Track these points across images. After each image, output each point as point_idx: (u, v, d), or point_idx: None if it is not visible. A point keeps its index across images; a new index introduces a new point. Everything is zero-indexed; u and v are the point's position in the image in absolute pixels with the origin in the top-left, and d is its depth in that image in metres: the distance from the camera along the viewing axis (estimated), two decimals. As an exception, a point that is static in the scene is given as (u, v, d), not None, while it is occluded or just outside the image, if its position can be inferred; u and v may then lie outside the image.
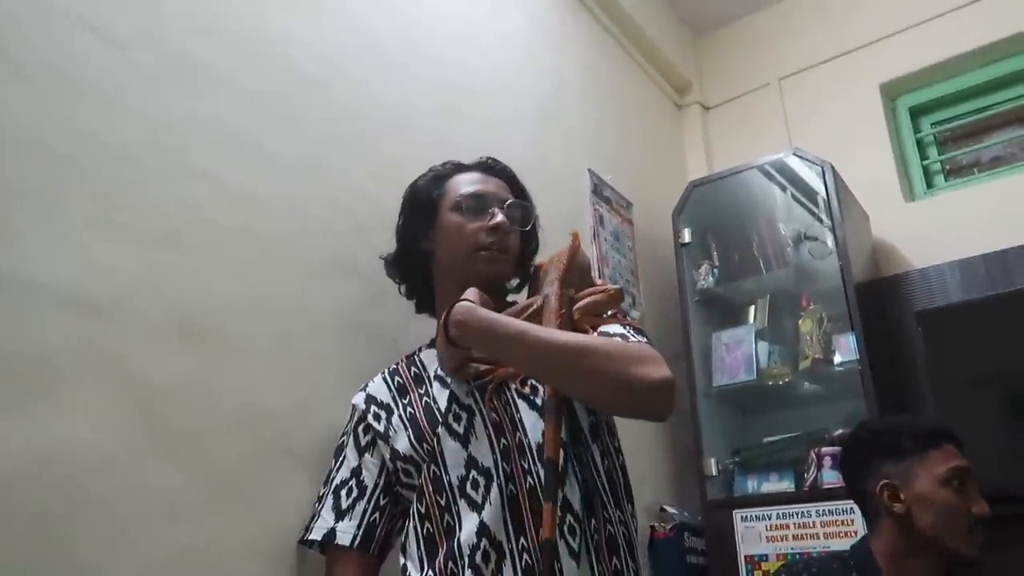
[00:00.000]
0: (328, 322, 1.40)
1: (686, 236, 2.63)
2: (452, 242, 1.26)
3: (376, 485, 1.21)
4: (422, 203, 1.32)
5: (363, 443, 1.24)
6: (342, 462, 1.24)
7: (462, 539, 1.05)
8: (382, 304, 1.45)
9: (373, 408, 1.24)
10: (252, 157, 1.36)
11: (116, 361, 1.07)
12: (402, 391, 1.25)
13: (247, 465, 1.19)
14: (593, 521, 1.07)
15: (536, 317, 1.14)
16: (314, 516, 1.21)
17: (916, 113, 2.94)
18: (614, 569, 1.06)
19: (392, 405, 1.23)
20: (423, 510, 1.12)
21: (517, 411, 1.12)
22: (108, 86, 1.16)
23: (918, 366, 2.40)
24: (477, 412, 1.14)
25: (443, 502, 1.10)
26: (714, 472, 2.33)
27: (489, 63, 2.13)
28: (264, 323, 1.29)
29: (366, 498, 1.20)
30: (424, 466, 1.14)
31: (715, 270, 2.62)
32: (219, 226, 1.26)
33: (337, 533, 1.18)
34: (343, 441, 1.27)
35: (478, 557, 1.03)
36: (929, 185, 2.84)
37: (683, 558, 2.18)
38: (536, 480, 1.05)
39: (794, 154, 2.57)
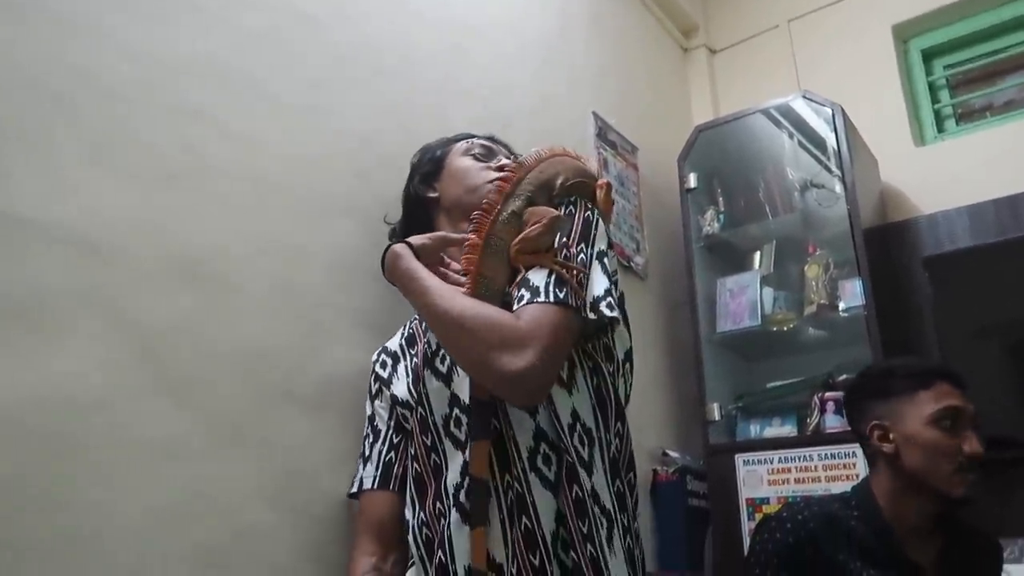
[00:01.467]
0: (327, 264, 1.38)
1: (692, 181, 2.59)
2: (459, 180, 1.31)
3: (388, 427, 1.25)
4: (429, 158, 1.38)
5: (372, 391, 1.30)
6: (366, 412, 1.29)
7: (448, 478, 1.07)
8: (381, 246, 1.42)
9: (382, 357, 1.31)
10: (250, 97, 1.32)
11: (112, 301, 1.06)
12: (411, 341, 1.28)
13: (247, 407, 1.19)
14: (607, 433, 1.06)
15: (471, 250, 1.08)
16: (355, 473, 1.26)
17: (928, 55, 2.87)
18: (590, 490, 1.02)
19: (399, 354, 1.28)
20: (413, 452, 1.16)
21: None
22: (102, 23, 1.13)
23: (924, 313, 2.39)
24: None
25: (429, 442, 1.12)
26: (717, 417, 2.34)
27: (493, 3, 2.07)
28: (263, 265, 1.27)
29: (380, 440, 1.25)
30: (415, 409, 1.16)
31: (720, 216, 2.59)
32: (216, 167, 1.24)
33: (364, 480, 1.23)
34: (369, 407, 1.31)
35: (462, 495, 1.03)
36: (940, 129, 2.79)
37: (685, 501, 2.20)
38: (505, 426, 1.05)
39: (803, 97, 2.51)
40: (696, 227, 2.58)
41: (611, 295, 1.05)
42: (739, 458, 2.24)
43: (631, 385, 1.18)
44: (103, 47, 1.12)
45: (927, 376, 1.44)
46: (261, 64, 1.36)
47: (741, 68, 3.16)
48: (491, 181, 1.23)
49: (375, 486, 1.21)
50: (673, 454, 2.28)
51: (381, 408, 1.27)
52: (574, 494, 1.00)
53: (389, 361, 1.29)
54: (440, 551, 1.04)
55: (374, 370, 1.30)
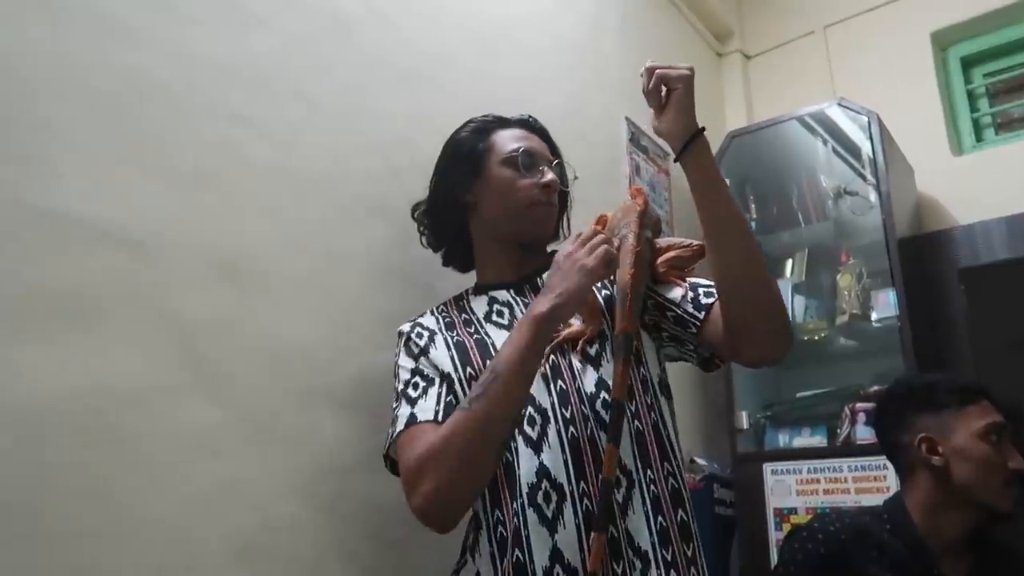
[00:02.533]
0: (361, 264, 1.40)
1: (724, 188, 2.57)
2: (503, 195, 1.25)
3: (439, 374, 1.16)
4: (466, 155, 1.29)
5: (415, 351, 1.20)
6: (399, 376, 1.19)
7: (522, 476, 1.04)
8: (415, 247, 1.45)
9: (417, 329, 1.23)
10: (288, 99, 1.35)
11: (155, 297, 1.08)
12: (449, 326, 1.23)
13: (280, 404, 1.21)
14: (649, 472, 1.06)
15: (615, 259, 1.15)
16: (391, 430, 1.14)
17: (968, 63, 2.83)
18: (666, 523, 1.04)
19: (436, 331, 1.22)
20: None
21: (575, 363, 1.12)
22: (146, 25, 1.15)
23: (959, 325, 2.36)
24: None
25: None
26: (745, 425, 2.33)
27: (526, 7, 2.08)
28: (299, 263, 1.29)
29: (436, 384, 1.14)
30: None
31: (752, 223, 2.58)
32: (255, 167, 1.26)
33: (417, 414, 1.10)
34: (395, 363, 1.22)
35: (539, 496, 1.02)
36: (978, 139, 2.74)
37: (712, 509, 2.19)
38: (595, 425, 1.06)
39: (838, 104, 2.49)
40: (727, 234, 2.55)
41: None
42: (767, 467, 2.22)
43: None
44: (146, 49, 1.15)
45: (972, 392, 1.45)
46: (298, 66, 1.38)
47: (776, 74, 3.14)
48: (534, 204, 1.23)
49: (437, 418, 1.08)
50: (700, 462, 2.27)
51: (427, 362, 1.17)
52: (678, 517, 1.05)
53: (425, 334, 1.21)
54: (517, 550, 1.01)
55: (411, 337, 1.21)
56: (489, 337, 1.18)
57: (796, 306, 2.45)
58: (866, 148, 2.40)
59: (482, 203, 1.27)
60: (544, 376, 1.10)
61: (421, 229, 1.38)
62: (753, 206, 2.63)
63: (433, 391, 1.13)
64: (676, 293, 1.15)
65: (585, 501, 1.02)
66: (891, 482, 2.01)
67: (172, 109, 1.16)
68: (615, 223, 1.21)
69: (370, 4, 1.56)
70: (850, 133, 2.54)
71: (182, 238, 1.13)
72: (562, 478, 1.03)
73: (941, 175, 2.63)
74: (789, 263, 2.57)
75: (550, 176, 1.25)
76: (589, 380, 1.10)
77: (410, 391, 1.15)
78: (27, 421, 0.92)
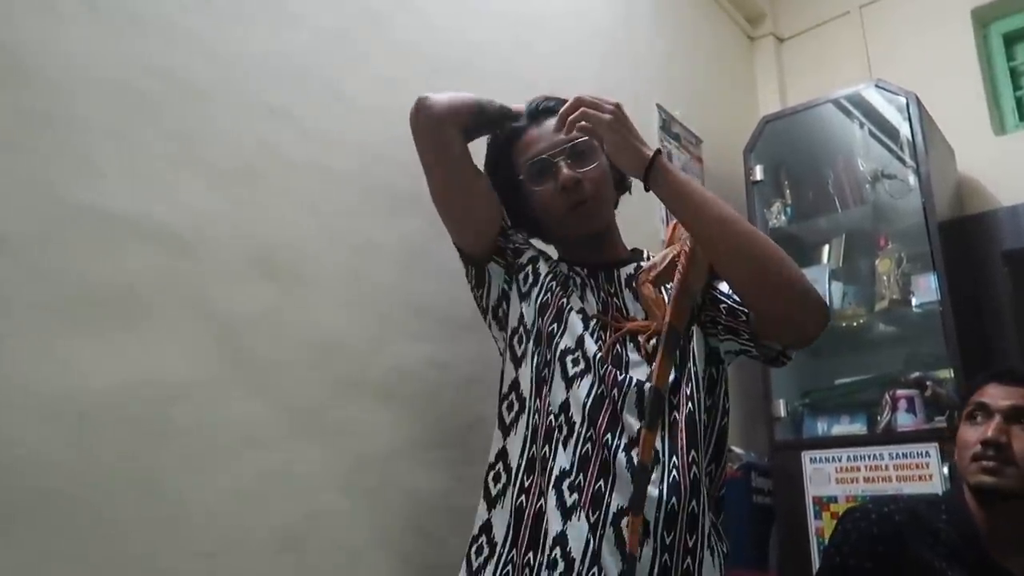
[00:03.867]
0: (395, 257, 1.41)
1: (758, 173, 2.54)
2: (544, 213, 1.24)
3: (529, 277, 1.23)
4: (503, 182, 1.26)
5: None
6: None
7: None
8: (447, 239, 1.44)
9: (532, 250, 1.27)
10: (323, 94, 1.36)
11: (198, 293, 1.10)
12: (564, 284, 1.22)
13: (322, 395, 1.23)
14: (674, 459, 1.06)
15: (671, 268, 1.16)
16: None
17: (1010, 40, 2.75)
18: (676, 509, 1.04)
19: (542, 264, 1.24)
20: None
21: (627, 355, 1.13)
22: (183, 24, 1.17)
23: (1003, 309, 2.31)
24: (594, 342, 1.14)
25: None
26: (783, 414, 2.30)
27: (556, -6, 2.07)
28: (336, 257, 1.30)
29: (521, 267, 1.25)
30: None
31: (788, 208, 2.54)
32: (293, 162, 1.27)
33: None
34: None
35: (565, 485, 1.06)
36: (1022, 117, 2.67)
37: (750, 498, 2.17)
38: (619, 413, 1.08)
39: (876, 85, 2.44)
40: (762, 220, 2.53)
41: None
42: (806, 455, 2.19)
43: None
44: (185, 48, 1.16)
45: (981, 380, 1.46)
46: (332, 61, 1.39)
47: (810, 57, 3.09)
48: (567, 212, 1.20)
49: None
50: (738, 450, 2.25)
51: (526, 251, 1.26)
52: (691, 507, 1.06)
53: (539, 256, 1.25)
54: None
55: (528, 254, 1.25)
56: (567, 306, 1.17)
57: (834, 292, 2.42)
58: (904, 130, 2.35)
59: (534, 206, 1.25)
60: (589, 367, 1.11)
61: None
62: (788, 192, 2.59)
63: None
64: (728, 285, 1.16)
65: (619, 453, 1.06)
66: (934, 470, 1.98)
67: (210, 106, 1.18)
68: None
69: (401, -2, 1.56)
70: (888, 115, 2.49)
71: (222, 234, 1.15)
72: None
73: (983, 156, 2.57)
74: (826, 249, 2.53)
75: (563, 174, 1.18)
76: (640, 373, 1.11)
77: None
78: (77, 414, 0.94)
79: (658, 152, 1.09)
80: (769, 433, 2.30)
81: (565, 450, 1.07)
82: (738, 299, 1.14)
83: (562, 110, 1.13)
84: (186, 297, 1.08)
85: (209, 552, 1.03)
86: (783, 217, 2.53)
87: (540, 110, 1.26)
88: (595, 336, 1.13)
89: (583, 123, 1.09)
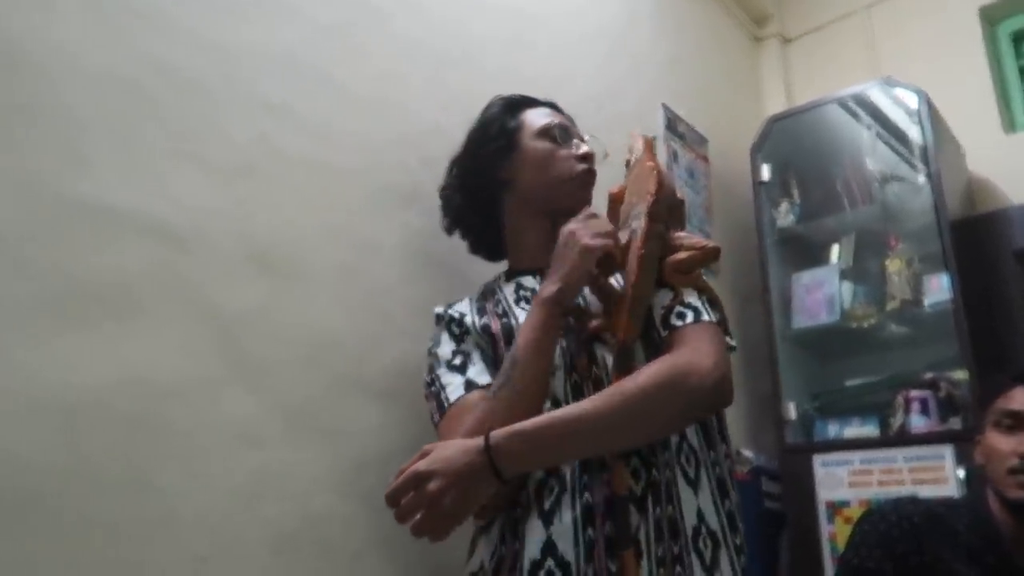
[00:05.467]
0: (396, 253, 1.38)
1: (765, 173, 2.51)
2: (541, 167, 1.22)
3: (480, 349, 1.16)
4: (497, 133, 1.26)
5: (456, 333, 1.19)
6: (439, 354, 1.17)
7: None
8: (448, 236, 1.43)
9: (454, 313, 1.22)
10: (322, 89, 1.33)
11: (193, 289, 1.07)
12: (480, 311, 1.21)
13: (319, 394, 1.20)
14: (712, 453, 1.05)
15: (624, 254, 1.06)
16: (440, 399, 1.11)
17: (1019, 38, 2.72)
18: (728, 511, 1.03)
19: (467, 314, 1.21)
20: None
21: (602, 354, 1.07)
22: (179, 16, 1.15)
23: (1016, 307, 2.25)
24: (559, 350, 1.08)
25: None
26: (793, 416, 2.26)
27: (559, -8, 2.04)
28: (334, 254, 1.28)
29: (479, 354, 1.15)
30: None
31: (796, 208, 2.50)
32: (290, 157, 1.25)
33: (473, 379, 1.10)
34: (432, 344, 1.20)
35: (544, 491, 1.01)
36: (1032, 115, 2.64)
37: (760, 503, 2.13)
38: None
39: (886, 82, 2.41)
40: (769, 220, 2.50)
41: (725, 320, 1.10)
42: (817, 459, 2.15)
43: None
44: (182, 41, 1.14)
45: (1007, 383, 1.42)
46: (331, 56, 1.36)
47: (816, 57, 3.06)
48: (574, 176, 1.20)
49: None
50: (747, 454, 2.21)
51: (468, 344, 1.16)
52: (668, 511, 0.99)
53: (460, 318, 1.20)
54: (517, 541, 1.01)
55: (451, 318, 1.20)
56: (517, 321, 1.15)
57: (844, 292, 2.38)
58: (914, 128, 2.32)
59: (519, 178, 1.24)
60: (564, 366, 1.07)
61: (445, 211, 1.34)
62: (796, 191, 2.55)
63: (478, 358, 1.15)
64: (665, 298, 1.06)
65: (585, 495, 0.99)
66: (949, 472, 1.94)
67: (207, 101, 1.16)
68: (627, 209, 1.13)
69: (401, -8, 1.54)
70: (895, 114, 2.46)
71: (219, 229, 1.12)
72: (695, 443, 1.04)
73: (993, 154, 2.53)
74: (835, 248, 2.49)
75: (586, 149, 1.24)
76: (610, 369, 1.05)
77: (456, 361, 1.15)
78: (68, 412, 0.92)
79: (487, 440, 0.93)
80: (779, 436, 2.26)
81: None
82: (660, 320, 1.05)
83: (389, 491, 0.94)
84: (181, 293, 1.06)
85: (202, 555, 1.00)
86: (791, 217, 2.49)
87: (557, 107, 1.33)
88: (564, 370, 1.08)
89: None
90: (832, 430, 2.27)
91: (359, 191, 1.35)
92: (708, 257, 1.09)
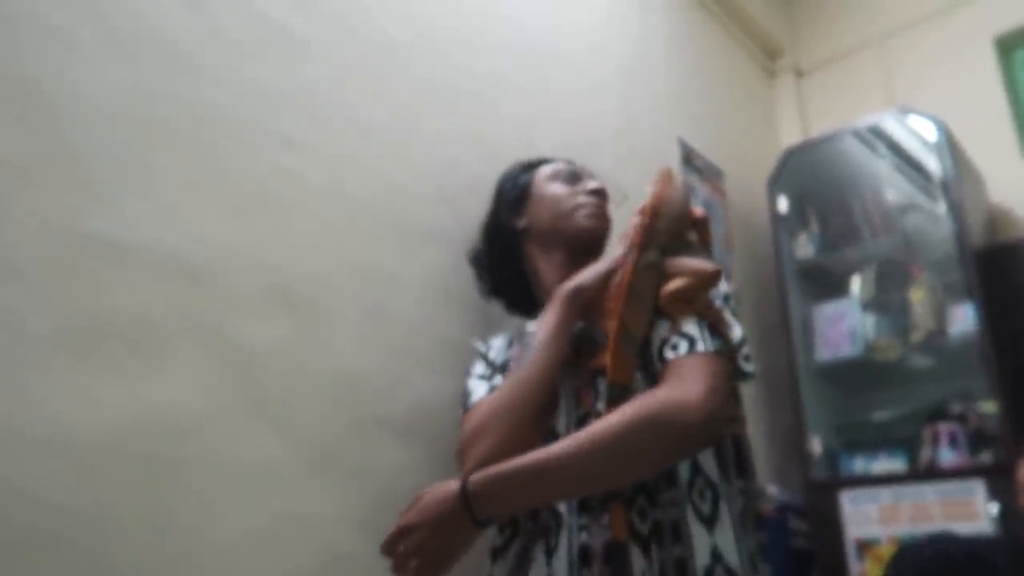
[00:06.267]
0: (416, 290, 1.38)
1: (782, 205, 2.50)
2: (551, 204, 1.26)
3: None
4: (512, 187, 1.33)
5: (496, 365, 1.19)
6: (473, 370, 1.20)
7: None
8: (468, 272, 1.42)
9: (492, 350, 1.24)
10: (342, 126, 1.34)
11: (214, 325, 1.07)
12: (510, 346, 1.24)
13: (340, 432, 1.18)
14: (731, 487, 1.02)
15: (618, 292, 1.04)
16: (466, 404, 1.14)
17: (1035, 67, 2.72)
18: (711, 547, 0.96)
19: (501, 355, 1.23)
20: None
21: (600, 386, 1.04)
22: (199, 54, 1.16)
23: (1044, 337, 2.22)
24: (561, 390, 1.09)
25: None
26: (818, 451, 2.22)
27: (574, 29, 2.06)
28: (355, 290, 1.27)
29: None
30: None
31: (815, 239, 2.49)
32: (311, 193, 1.26)
33: (496, 387, 1.11)
34: (469, 375, 1.20)
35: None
36: (1051, 143, 2.62)
37: (787, 541, 2.08)
38: None
39: (901, 111, 2.40)
40: (788, 252, 2.48)
41: (744, 344, 1.05)
42: (844, 495, 2.10)
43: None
44: (202, 78, 1.15)
45: None
46: (351, 93, 1.38)
47: (832, 88, 3.07)
48: (582, 206, 1.23)
49: None
50: (772, 490, 2.17)
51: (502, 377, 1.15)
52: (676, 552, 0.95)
53: (495, 356, 1.21)
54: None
55: (487, 354, 1.21)
56: None
57: (867, 324, 2.35)
58: (932, 157, 2.31)
59: (534, 222, 1.27)
60: (568, 401, 1.07)
61: (479, 276, 1.38)
62: (814, 223, 2.54)
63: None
64: (664, 329, 1.01)
65: (583, 534, 0.97)
66: (980, 507, 1.89)
67: (227, 137, 1.16)
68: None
69: (419, 30, 1.56)
70: (912, 144, 2.45)
71: (239, 265, 1.12)
72: (714, 476, 1.00)
73: (1013, 182, 2.51)
74: (856, 280, 2.47)
75: (597, 183, 1.25)
76: None
77: (486, 373, 1.17)
78: (88, 451, 0.91)
79: (464, 485, 0.96)
80: (804, 471, 2.21)
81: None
82: (658, 354, 1.00)
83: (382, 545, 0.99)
84: (200, 329, 1.05)
85: (222, 597, 0.98)
86: (810, 248, 2.48)
87: (572, 162, 1.35)
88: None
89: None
90: (859, 465, 2.22)
91: (378, 226, 1.35)
92: (707, 282, 1.02)
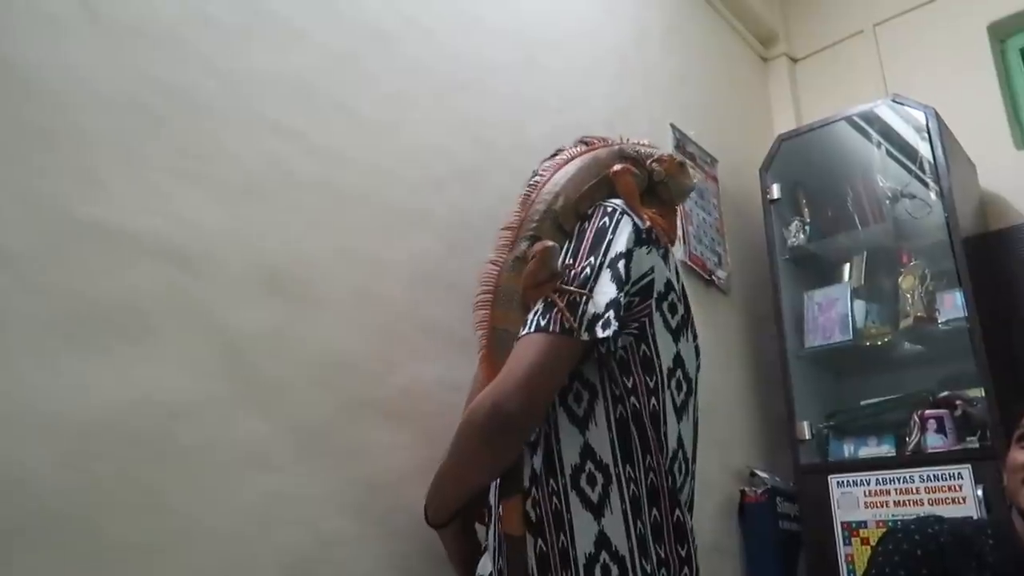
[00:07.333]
0: (404, 276, 1.39)
1: (775, 192, 2.51)
2: None
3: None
4: None
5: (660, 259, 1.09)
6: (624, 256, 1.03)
7: (565, 456, 0.99)
8: (459, 258, 1.43)
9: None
10: (329, 111, 1.35)
11: (203, 310, 1.08)
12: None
13: (328, 416, 1.20)
14: (630, 469, 0.99)
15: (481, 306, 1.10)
16: (591, 306, 0.98)
17: (1029, 55, 2.72)
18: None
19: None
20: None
21: None
22: (188, 39, 1.17)
23: (1032, 324, 2.24)
24: None
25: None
26: (807, 436, 2.24)
27: (567, 14, 2.06)
28: (343, 275, 1.28)
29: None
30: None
31: (806, 227, 2.50)
32: (298, 179, 1.26)
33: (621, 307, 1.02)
34: (624, 243, 1.03)
35: (583, 479, 0.99)
36: (1043, 132, 2.63)
37: (776, 524, 2.10)
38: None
39: (894, 100, 2.41)
40: (780, 239, 2.49)
41: (615, 307, 0.96)
42: (833, 479, 2.12)
43: (689, 392, 1.08)
44: (193, 66, 1.16)
45: None
46: (339, 79, 1.38)
47: (824, 76, 3.07)
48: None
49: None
50: (762, 474, 2.19)
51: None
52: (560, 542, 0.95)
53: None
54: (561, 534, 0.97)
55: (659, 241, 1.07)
56: None
57: (857, 311, 2.36)
58: (924, 145, 2.32)
59: None
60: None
61: None
62: (806, 210, 2.55)
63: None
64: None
65: (631, 486, 0.97)
66: (967, 492, 1.91)
67: (218, 124, 1.17)
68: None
69: (410, 17, 1.56)
70: (905, 131, 2.46)
71: (229, 251, 1.13)
72: (608, 458, 0.98)
73: (1005, 170, 2.51)
74: (847, 267, 2.48)
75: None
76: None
77: (625, 271, 1.00)
78: (79, 434, 0.92)
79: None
80: (794, 456, 2.23)
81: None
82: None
83: None
84: (191, 314, 1.07)
85: (212, 577, 1.00)
86: (802, 236, 2.49)
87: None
88: None
89: None
90: (847, 450, 2.25)
91: (368, 213, 1.36)
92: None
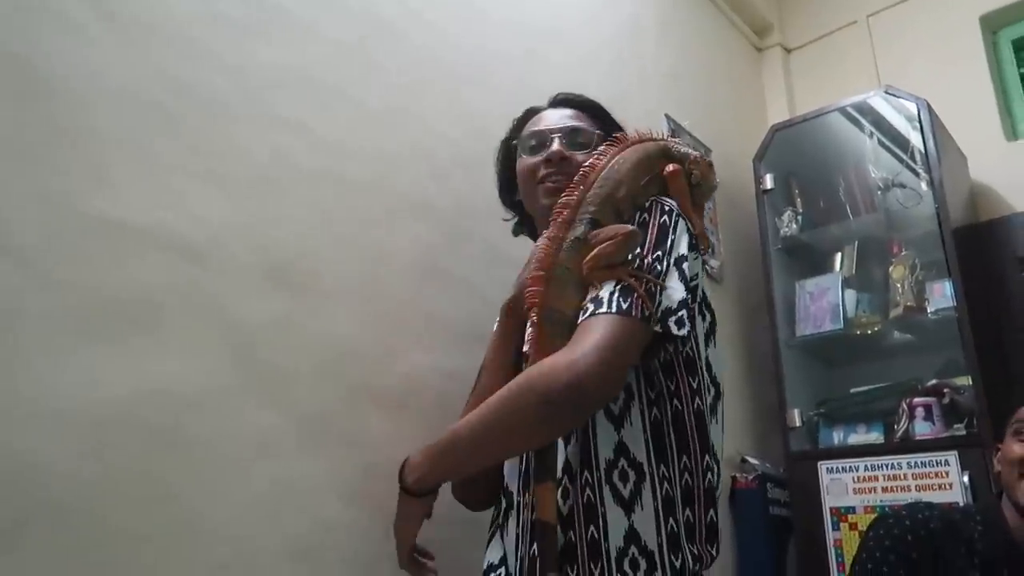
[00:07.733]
0: (407, 266, 1.40)
1: (768, 182, 2.54)
2: (522, 183, 1.25)
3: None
4: (504, 157, 1.33)
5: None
6: (681, 242, 1.03)
7: (600, 451, 0.99)
8: (461, 248, 1.45)
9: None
10: (335, 104, 1.36)
11: (212, 302, 1.10)
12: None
13: (335, 405, 1.22)
14: (664, 468, 0.99)
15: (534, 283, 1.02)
16: (664, 299, 0.97)
17: (1020, 46, 2.74)
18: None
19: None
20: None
21: None
22: (199, 38, 1.17)
23: (1018, 314, 2.28)
24: None
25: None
26: (798, 423, 2.28)
27: (566, 5, 2.07)
28: (349, 267, 1.30)
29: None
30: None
31: (799, 217, 2.53)
32: (306, 172, 1.27)
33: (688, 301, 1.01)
34: (671, 229, 1.04)
35: (616, 475, 0.98)
36: (1033, 123, 2.66)
37: (766, 509, 2.15)
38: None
39: (886, 91, 2.43)
40: (773, 229, 2.52)
41: (686, 307, 0.96)
42: (822, 466, 2.17)
43: (718, 396, 1.09)
44: (201, 61, 1.17)
45: None
46: (345, 72, 1.39)
47: (819, 66, 3.09)
48: (541, 182, 1.19)
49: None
50: (752, 460, 2.23)
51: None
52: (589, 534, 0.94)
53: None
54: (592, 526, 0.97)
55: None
56: None
57: (847, 300, 2.40)
58: (915, 136, 2.34)
59: (522, 198, 1.28)
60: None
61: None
62: (799, 200, 2.58)
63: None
64: (589, 297, 0.99)
65: (665, 485, 0.97)
66: (954, 478, 1.95)
67: (225, 118, 1.18)
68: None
69: (414, 9, 1.57)
70: (897, 122, 2.49)
71: (236, 243, 1.15)
72: (641, 457, 0.98)
73: (996, 162, 2.55)
74: (838, 256, 2.52)
75: (552, 147, 1.18)
76: None
77: (688, 274, 1.00)
78: (92, 424, 0.94)
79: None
80: (784, 443, 2.27)
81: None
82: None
83: None
84: (200, 307, 1.08)
85: (222, 563, 1.02)
86: (794, 225, 2.51)
87: (559, 100, 1.31)
88: None
89: None
90: (837, 437, 2.29)
91: (373, 203, 1.38)
92: (625, 245, 0.98)
